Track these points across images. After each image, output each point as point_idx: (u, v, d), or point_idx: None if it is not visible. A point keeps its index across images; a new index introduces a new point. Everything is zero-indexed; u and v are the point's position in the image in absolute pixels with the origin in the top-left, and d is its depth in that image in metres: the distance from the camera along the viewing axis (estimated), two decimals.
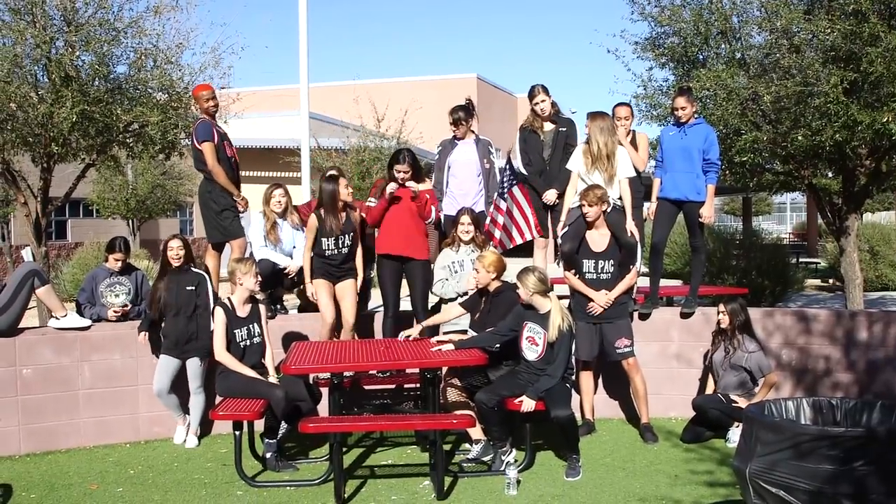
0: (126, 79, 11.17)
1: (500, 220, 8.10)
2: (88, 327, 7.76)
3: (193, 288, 7.67)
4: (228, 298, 7.13)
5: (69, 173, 12.23)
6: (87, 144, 11.10)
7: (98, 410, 7.79)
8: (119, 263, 8.14)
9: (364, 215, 8.11)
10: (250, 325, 7.15)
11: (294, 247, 8.41)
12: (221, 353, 6.97)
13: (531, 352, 6.81)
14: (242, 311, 7.13)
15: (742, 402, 7.32)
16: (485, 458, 6.92)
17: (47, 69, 10.33)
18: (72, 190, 12.12)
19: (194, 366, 7.67)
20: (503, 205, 8.09)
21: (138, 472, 6.97)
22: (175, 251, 7.64)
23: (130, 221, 28.38)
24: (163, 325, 7.70)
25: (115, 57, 11.05)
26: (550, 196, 8.33)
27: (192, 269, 7.83)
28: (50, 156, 10.97)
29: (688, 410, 7.78)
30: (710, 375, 7.83)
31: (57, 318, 7.70)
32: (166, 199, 28.37)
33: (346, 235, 7.82)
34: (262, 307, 7.32)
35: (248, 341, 7.11)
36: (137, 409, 7.91)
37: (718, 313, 7.73)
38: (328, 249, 7.81)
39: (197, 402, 7.75)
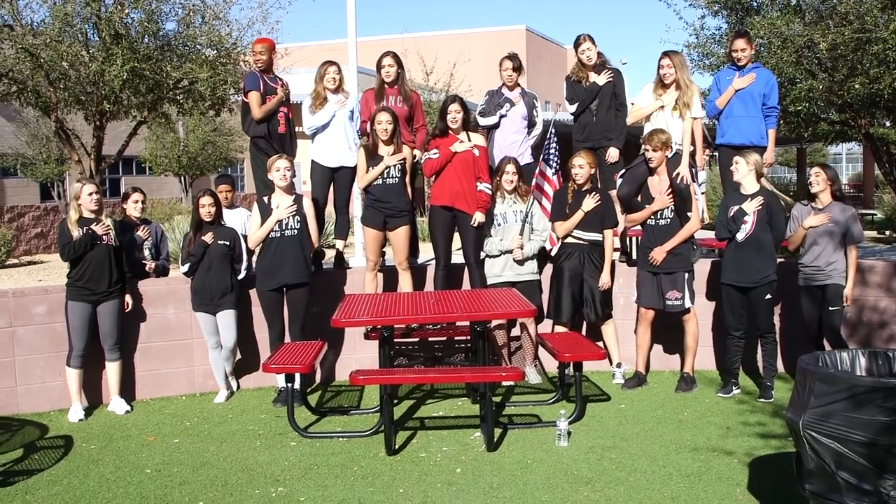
0: (175, 35, 11.23)
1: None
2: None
3: (227, 243, 7.66)
4: None
5: (121, 131, 12.39)
6: (138, 102, 11.22)
7: (154, 364, 7.94)
8: (139, 205, 8.18)
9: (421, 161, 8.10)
10: None
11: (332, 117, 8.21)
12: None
13: (743, 231, 7.18)
14: None
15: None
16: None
17: (97, 27, 10.41)
18: (124, 147, 12.27)
19: (228, 317, 7.67)
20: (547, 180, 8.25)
21: (194, 424, 7.11)
22: (207, 207, 7.62)
23: (182, 178, 28.67)
24: (191, 280, 7.73)
25: (164, 14, 11.11)
26: (614, 154, 8.30)
27: (224, 224, 7.83)
28: (102, 114, 11.09)
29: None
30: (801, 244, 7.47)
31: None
32: (217, 155, 28.59)
33: (394, 167, 7.80)
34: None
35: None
36: (192, 363, 8.05)
37: (810, 176, 7.35)
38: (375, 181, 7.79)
39: (227, 354, 7.76)
